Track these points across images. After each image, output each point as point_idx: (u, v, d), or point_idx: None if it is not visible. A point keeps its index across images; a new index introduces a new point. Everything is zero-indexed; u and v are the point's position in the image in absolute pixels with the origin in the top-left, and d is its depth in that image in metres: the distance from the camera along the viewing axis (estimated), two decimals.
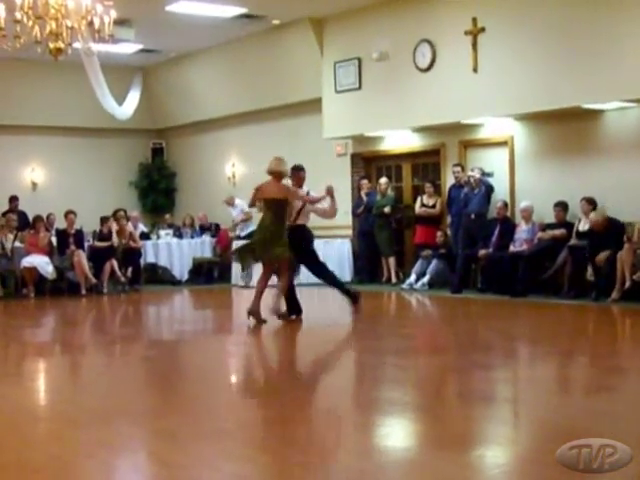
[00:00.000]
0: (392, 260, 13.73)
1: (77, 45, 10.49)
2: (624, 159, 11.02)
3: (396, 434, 4.69)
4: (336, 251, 14.23)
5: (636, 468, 3.57)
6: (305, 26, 14.14)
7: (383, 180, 13.82)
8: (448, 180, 13.06)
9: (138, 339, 9.05)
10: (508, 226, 11.94)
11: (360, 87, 13.69)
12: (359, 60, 13.63)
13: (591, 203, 10.96)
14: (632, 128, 10.98)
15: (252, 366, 7.46)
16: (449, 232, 12.96)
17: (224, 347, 8.49)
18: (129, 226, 14.43)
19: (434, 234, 13.02)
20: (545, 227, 11.60)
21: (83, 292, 13.34)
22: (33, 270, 13.17)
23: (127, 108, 16.25)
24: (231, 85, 16.45)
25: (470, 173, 12.29)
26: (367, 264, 14.16)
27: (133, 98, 16.75)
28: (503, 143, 12.44)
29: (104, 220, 14.17)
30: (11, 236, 13.51)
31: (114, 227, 14.14)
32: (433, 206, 13.21)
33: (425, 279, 12.76)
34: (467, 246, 12.24)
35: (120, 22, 11.98)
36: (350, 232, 14.52)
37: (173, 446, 4.30)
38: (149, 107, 17.77)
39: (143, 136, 18.53)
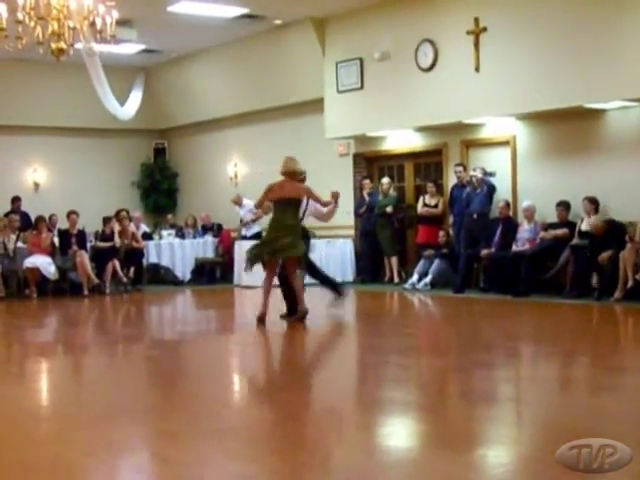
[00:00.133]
0: (394, 260, 13.73)
1: (79, 46, 10.49)
2: (626, 158, 11.01)
3: (398, 434, 4.68)
4: (338, 251, 14.25)
5: (636, 468, 3.57)
6: (307, 26, 14.14)
7: (385, 180, 13.82)
8: (450, 180, 13.06)
9: (140, 339, 9.05)
10: (510, 226, 11.94)
11: (362, 87, 13.68)
12: (361, 60, 13.62)
13: (593, 202, 10.96)
14: (634, 127, 10.97)
15: (254, 365, 7.44)
16: (451, 232, 12.96)
17: (226, 347, 8.50)
18: (131, 226, 14.44)
19: (436, 234, 13.01)
20: (547, 227, 11.59)
21: (85, 292, 13.33)
22: (35, 270, 13.17)
23: (129, 108, 16.26)
24: (233, 85, 16.45)
25: (472, 173, 12.27)
26: (369, 264, 14.16)
27: (135, 98, 16.76)
28: (505, 143, 12.43)
29: (106, 220, 14.19)
30: (13, 237, 13.50)
31: (116, 227, 14.16)
32: (435, 206, 13.21)
33: (427, 279, 12.75)
34: (469, 246, 12.23)
35: (122, 22, 11.97)
36: (352, 232, 14.53)
37: (175, 445, 4.30)
38: (151, 107, 17.76)
39: (145, 136, 18.54)
